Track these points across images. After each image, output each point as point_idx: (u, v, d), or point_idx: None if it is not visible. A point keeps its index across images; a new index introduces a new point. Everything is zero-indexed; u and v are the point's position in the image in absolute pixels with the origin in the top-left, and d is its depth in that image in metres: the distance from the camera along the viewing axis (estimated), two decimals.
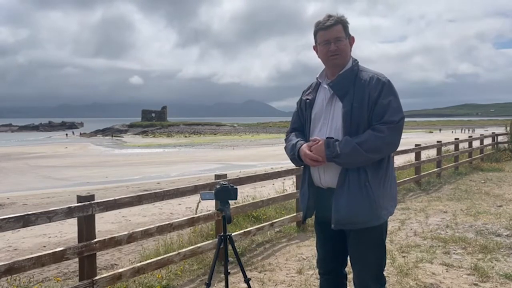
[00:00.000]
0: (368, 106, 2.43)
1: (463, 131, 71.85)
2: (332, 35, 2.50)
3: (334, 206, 2.47)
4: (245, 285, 3.36)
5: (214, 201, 4.52)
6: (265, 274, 4.77)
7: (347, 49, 2.55)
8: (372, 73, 2.53)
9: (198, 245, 5.01)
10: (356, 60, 2.59)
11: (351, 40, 2.59)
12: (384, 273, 4.62)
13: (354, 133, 2.43)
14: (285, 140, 2.79)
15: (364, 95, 2.44)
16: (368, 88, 2.45)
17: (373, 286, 2.59)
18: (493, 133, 20.04)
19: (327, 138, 2.46)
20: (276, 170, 6.45)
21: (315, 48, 2.62)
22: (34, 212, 3.47)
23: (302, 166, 2.70)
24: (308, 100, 2.68)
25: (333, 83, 2.55)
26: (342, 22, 2.53)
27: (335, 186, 2.49)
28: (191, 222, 4.95)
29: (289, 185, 8.99)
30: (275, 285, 4.47)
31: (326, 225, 2.55)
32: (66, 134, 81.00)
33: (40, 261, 3.50)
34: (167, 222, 4.68)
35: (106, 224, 8.52)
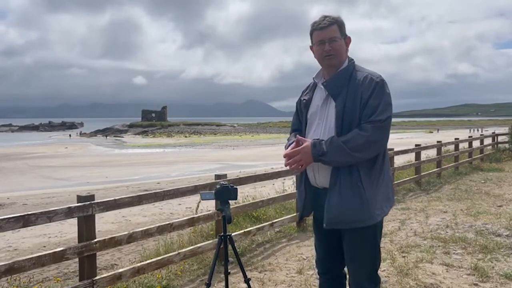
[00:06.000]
0: (360, 105, 2.44)
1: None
2: (327, 35, 2.51)
3: (326, 205, 2.48)
4: (245, 285, 3.36)
5: (214, 201, 4.52)
6: (265, 274, 4.77)
7: (342, 50, 2.54)
8: (367, 72, 2.52)
9: (198, 245, 5.01)
10: (352, 59, 2.60)
11: (347, 40, 2.59)
12: (384, 273, 4.64)
13: (346, 132, 2.43)
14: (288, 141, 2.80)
15: (356, 95, 2.45)
16: (361, 88, 2.45)
17: (368, 285, 2.59)
18: (493, 133, 20.04)
19: (314, 139, 2.47)
20: (276, 170, 6.45)
21: (311, 48, 2.63)
22: (34, 212, 3.47)
23: None
24: (304, 101, 2.70)
25: (327, 83, 2.56)
26: (337, 23, 2.53)
27: (328, 186, 2.50)
28: (191, 222, 4.95)
29: (289, 185, 8.99)
30: (275, 285, 4.47)
31: (322, 224, 2.56)
32: (70, 135, 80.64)
33: (40, 261, 3.50)
34: (167, 222, 4.68)
35: (106, 224, 8.53)
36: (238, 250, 4.55)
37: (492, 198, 8.99)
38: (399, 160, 11.95)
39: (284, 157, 2.52)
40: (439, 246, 5.60)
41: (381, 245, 5.78)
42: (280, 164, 19.44)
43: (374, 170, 2.48)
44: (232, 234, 3.27)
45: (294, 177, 7.33)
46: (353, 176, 2.42)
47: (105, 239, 4.01)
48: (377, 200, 2.47)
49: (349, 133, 2.41)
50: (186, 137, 72.29)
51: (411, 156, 12.33)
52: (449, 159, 13.56)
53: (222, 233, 3.13)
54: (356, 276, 2.61)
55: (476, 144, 16.03)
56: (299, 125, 2.77)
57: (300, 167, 2.49)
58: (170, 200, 7.82)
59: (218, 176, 5.26)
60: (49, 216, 3.51)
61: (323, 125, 2.55)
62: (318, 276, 2.94)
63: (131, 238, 4.23)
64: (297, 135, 2.58)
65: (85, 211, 3.77)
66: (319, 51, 2.55)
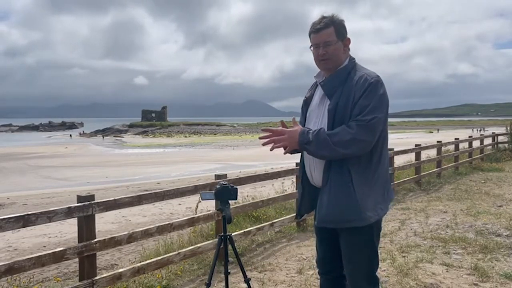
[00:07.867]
0: (351, 106, 2.42)
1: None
2: (322, 39, 2.50)
3: (318, 204, 2.52)
4: (245, 285, 3.36)
5: (214, 201, 4.52)
6: (265, 274, 4.77)
7: (337, 53, 2.52)
8: (364, 72, 2.49)
9: (198, 245, 5.01)
10: (353, 59, 2.58)
11: (346, 41, 2.56)
12: (384, 273, 4.65)
13: None
14: None
15: (350, 95, 2.44)
16: (355, 88, 2.44)
17: (365, 286, 2.59)
18: (493, 133, 20.04)
19: (303, 127, 2.51)
20: (276, 170, 6.46)
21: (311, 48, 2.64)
22: (34, 212, 3.47)
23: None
24: (305, 99, 2.75)
25: (324, 82, 2.58)
26: (334, 24, 2.50)
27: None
28: (191, 222, 4.95)
29: (288, 185, 9.00)
30: (275, 285, 4.48)
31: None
32: (70, 135, 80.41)
33: (40, 261, 3.50)
34: (167, 222, 4.69)
35: (106, 224, 8.52)
36: (238, 250, 4.55)
37: (492, 198, 8.99)
38: (399, 160, 11.94)
39: (269, 132, 2.51)
40: (439, 246, 5.60)
41: (381, 245, 5.80)
42: (280, 164, 19.44)
43: (367, 171, 2.46)
44: (232, 234, 3.28)
45: (293, 177, 7.33)
46: (344, 176, 2.43)
47: (105, 239, 4.01)
48: (369, 201, 2.44)
49: (337, 128, 2.42)
50: (186, 137, 72.25)
51: (411, 156, 12.33)
52: (449, 159, 13.55)
53: (222, 233, 3.13)
54: (353, 277, 2.60)
55: (476, 144, 16.03)
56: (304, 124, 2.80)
57: (283, 148, 2.50)
58: (170, 200, 7.82)
59: (218, 176, 5.26)
60: (49, 216, 3.51)
61: (319, 123, 2.56)
62: (319, 276, 2.94)
63: (131, 238, 4.23)
64: (294, 118, 2.62)
65: (85, 211, 3.77)
66: (315, 55, 2.57)
